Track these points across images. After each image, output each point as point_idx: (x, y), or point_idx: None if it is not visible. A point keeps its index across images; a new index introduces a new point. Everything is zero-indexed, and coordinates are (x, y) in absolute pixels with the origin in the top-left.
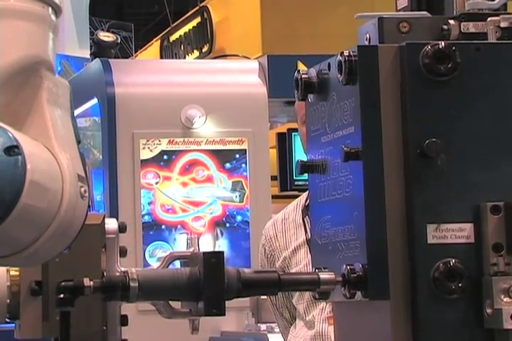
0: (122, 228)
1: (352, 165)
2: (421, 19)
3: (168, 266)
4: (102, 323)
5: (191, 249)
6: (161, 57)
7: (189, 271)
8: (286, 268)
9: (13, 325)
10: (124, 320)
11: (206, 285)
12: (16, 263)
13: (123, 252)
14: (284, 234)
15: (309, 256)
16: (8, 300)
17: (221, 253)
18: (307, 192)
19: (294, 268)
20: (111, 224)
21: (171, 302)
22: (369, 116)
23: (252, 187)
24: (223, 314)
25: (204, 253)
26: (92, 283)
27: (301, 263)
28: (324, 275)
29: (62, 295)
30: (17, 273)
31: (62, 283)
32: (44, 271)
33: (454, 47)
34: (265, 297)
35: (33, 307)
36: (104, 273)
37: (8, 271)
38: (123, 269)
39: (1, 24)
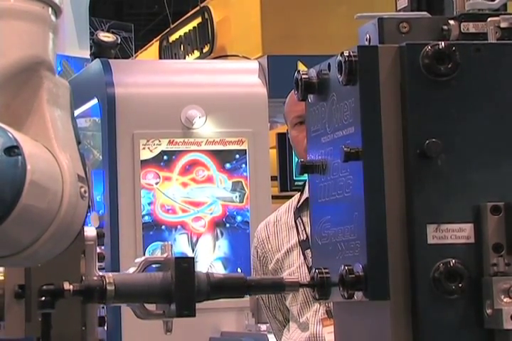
0: (101, 235)
1: (352, 166)
2: (421, 19)
3: (143, 271)
4: (81, 324)
5: (165, 255)
6: (160, 58)
7: (162, 276)
8: (279, 270)
9: None
10: (101, 321)
11: (177, 289)
12: (15, 264)
13: (101, 258)
14: (277, 236)
15: (302, 257)
16: None
17: (192, 258)
18: (299, 193)
19: (287, 270)
20: (89, 231)
21: (146, 304)
22: (369, 116)
23: (252, 188)
24: (194, 315)
25: (176, 258)
26: (71, 286)
27: (294, 265)
28: (288, 280)
29: (43, 298)
30: (2, 277)
31: (44, 287)
32: (27, 275)
33: (454, 48)
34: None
35: (16, 309)
36: (83, 277)
37: None
38: (100, 273)
39: (1, 24)
